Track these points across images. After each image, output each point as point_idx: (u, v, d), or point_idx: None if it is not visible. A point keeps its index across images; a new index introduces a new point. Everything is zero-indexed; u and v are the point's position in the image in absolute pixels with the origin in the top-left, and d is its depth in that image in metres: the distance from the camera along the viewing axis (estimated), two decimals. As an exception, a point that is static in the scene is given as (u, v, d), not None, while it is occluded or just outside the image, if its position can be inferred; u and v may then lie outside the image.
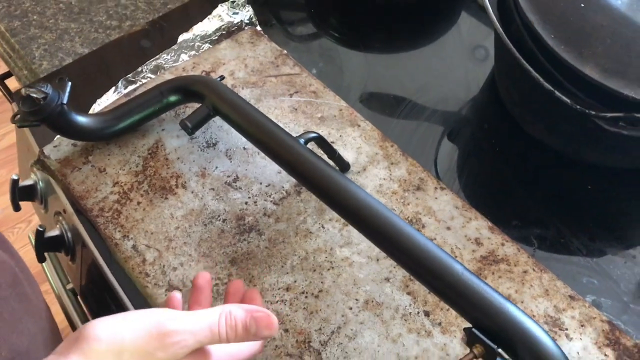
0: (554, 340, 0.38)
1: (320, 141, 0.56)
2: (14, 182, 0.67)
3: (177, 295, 0.44)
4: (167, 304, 0.44)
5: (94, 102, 0.68)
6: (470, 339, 0.37)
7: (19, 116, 0.58)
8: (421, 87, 0.72)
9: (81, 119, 0.60)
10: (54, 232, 0.65)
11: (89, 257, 0.61)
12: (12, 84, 0.92)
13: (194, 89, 0.60)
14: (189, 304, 0.46)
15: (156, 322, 0.36)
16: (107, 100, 0.68)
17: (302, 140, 0.54)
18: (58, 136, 0.64)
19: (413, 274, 0.44)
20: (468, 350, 0.38)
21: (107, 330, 0.35)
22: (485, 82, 0.73)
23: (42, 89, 0.55)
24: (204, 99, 0.60)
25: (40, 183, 0.68)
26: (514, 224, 0.59)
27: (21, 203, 0.70)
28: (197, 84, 0.61)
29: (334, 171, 0.50)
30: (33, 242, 0.66)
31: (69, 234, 0.64)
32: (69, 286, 0.76)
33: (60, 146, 0.63)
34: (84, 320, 0.74)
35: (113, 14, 0.80)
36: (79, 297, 0.76)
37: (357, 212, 0.47)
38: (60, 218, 0.65)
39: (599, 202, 0.61)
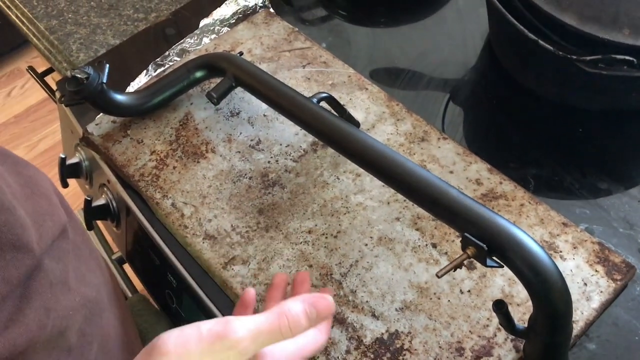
0: (538, 242, 0.44)
1: (331, 100, 0.63)
2: (62, 161, 0.75)
3: (251, 291, 0.51)
4: (242, 298, 0.51)
5: (128, 85, 0.76)
6: (464, 244, 0.43)
7: (65, 96, 0.66)
8: (423, 54, 0.78)
9: (119, 97, 0.67)
10: (101, 202, 0.72)
11: (133, 221, 0.69)
12: (51, 82, 1.00)
13: (217, 65, 0.68)
14: (266, 300, 0.53)
15: (219, 330, 0.37)
16: (140, 82, 0.76)
17: (314, 100, 0.61)
18: (99, 116, 0.72)
19: (416, 202, 0.50)
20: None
21: (175, 342, 0.37)
22: (482, 46, 0.79)
23: (85, 70, 0.63)
24: (226, 72, 0.67)
25: (85, 161, 0.76)
26: (511, 166, 0.65)
27: (69, 181, 0.78)
28: (219, 60, 0.68)
29: (344, 122, 0.57)
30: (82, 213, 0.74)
31: (114, 203, 0.72)
32: (115, 256, 0.84)
33: (101, 124, 0.71)
34: (132, 288, 0.81)
35: (139, 8, 0.88)
36: (124, 265, 0.84)
37: (367, 155, 0.53)
38: (105, 189, 0.73)
39: (589, 143, 0.67)
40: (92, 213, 0.73)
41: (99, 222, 0.87)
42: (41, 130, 2.01)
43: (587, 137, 0.67)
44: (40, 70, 1.00)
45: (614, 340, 0.54)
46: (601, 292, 0.55)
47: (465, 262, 0.43)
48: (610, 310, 0.55)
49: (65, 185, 0.78)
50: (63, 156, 0.76)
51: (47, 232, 0.46)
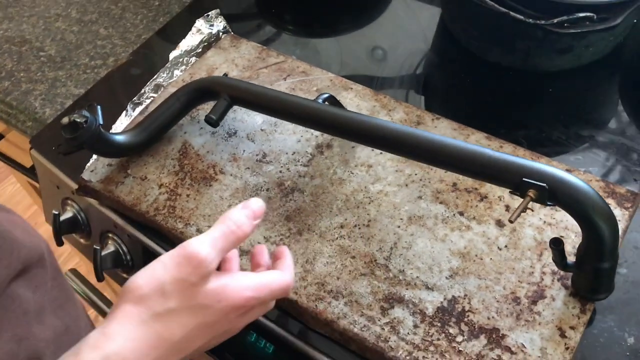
0: (579, 176, 0.49)
1: (333, 100, 0.66)
2: (56, 217, 0.72)
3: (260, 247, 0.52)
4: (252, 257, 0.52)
5: (110, 128, 0.75)
6: (522, 189, 0.47)
7: (61, 145, 0.64)
8: (390, 49, 0.83)
9: (115, 137, 0.66)
10: (109, 249, 0.70)
11: (149, 260, 0.67)
12: (3, 146, 0.96)
13: (209, 89, 0.68)
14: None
15: (179, 253, 0.43)
16: (122, 124, 0.75)
17: (320, 100, 0.63)
18: (91, 161, 0.70)
19: (461, 171, 0.53)
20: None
21: (144, 277, 0.43)
22: (436, 30, 0.85)
23: (83, 113, 0.62)
24: (219, 94, 0.68)
25: (81, 212, 0.73)
26: (502, 132, 0.70)
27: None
28: (210, 84, 0.69)
29: (359, 114, 0.59)
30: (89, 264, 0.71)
31: (124, 247, 0.70)
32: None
33: (96, 169, 0.70)
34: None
35: (94, 55, 0.87)
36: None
37: (403, 140, 0.55)
38: (111, 235, 0.71)
39: (561, 99, 0.74)
40: (104, 262, 0.70)
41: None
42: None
43: (559, 95, 0.74)
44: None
45: (639, 261, 0.60)
46: (619, 220, 0.60)
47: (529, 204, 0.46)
48: (628, 236, 0.61)
49: (60, 243, 0.75)
50: (56, 212, 0.73)
51: (14, 259, 0.45)
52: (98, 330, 0.42)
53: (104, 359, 0.40)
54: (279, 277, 0.48)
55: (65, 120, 0.62)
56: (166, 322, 0.42)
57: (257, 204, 0.48)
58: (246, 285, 0.45)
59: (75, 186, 0.71)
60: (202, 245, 0.43)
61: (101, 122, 0.63)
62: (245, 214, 0.47)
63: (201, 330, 0.44)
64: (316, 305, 0.57)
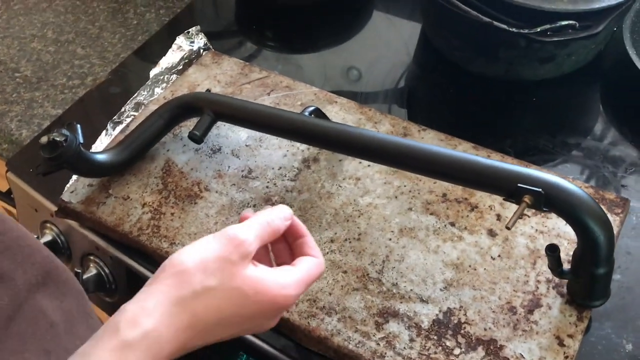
0: (571, 182, 0.48)
1: (319, 113, 0.65)
2: (35, 241, 0.70)
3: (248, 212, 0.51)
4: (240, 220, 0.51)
5: (89, 148, 0.73)
6: (517, 195, 0.46)
7: (40, 165, 0.62)
8: (372, 63, 0.83)
9: (96, 156, 0.65)
10: (91, 273, 0.68)
11: (136, 283, 0.65)
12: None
13: (192, 105, 0.67)
14: None
15: (221, 234, 0.44)
16: (102, 143, 0.73)
17: (306, 113, 0.62)
18: (71, 182, 0.68)
19: (454, 181, 0.53)
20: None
21: (188, 253, 0.43)
22: (417, 43, 0.85)
23: (62, 132, 0.60)
24: (202, 110, 0.66)
25: (61, 236, 0.71)
26: (489, 142, 0.70)
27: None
28: (193, 100, 0.67)
29: (347, 125, 0.58)
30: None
31: (107, 269, 0.68)
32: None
33: (76, 190, 0.67)
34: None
35: (72, 75, 0.85)
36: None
37: (392, 151, 0.55)
38: (92, 257, 0.68)
39: (546, 107, 0.74)
40: (85, 287, 0.68)
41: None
42: None
43: (543, 104, 0.75)
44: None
45: (632, 266, 0.60)
46: (611, 226, 0.60)
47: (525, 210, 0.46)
48: (620, 242, 0.61)
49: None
50: (35, 236, 0.70)
51: (35, 265, 0.44)
52: (135, 304, 0.41)
53: (144, 337, 0.39)
54: (314, 266, 0.48)
55: (44, 139, 0.60)
56: (204, 302, 0.42)
57: (285, 208, 0.49)
58: (284, 282, 0.45)
59: (54, 208, 0.68)
60: (242, 229, 0.45)
61: (81, 140, 0.62)
62: (275, 213, 0.48)
63: (234, 320, 0.43)
64: (309, 323, 0.56)
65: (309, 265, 0.47)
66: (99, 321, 0.52)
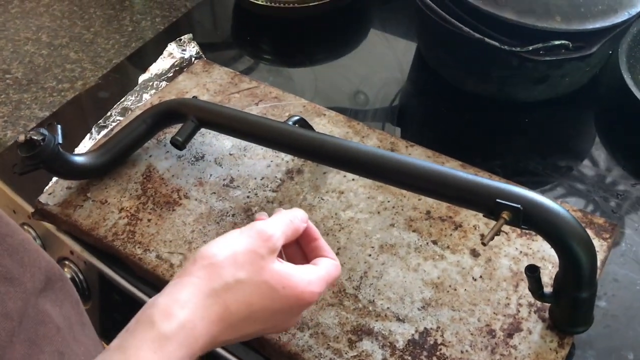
0: (555, 201, 0.46)
1: (303, 122, 0.64)
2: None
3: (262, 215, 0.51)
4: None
5: (72, 151, 0.72)
6: (496, 210, 0.44)
7: (17, 164, 0.61)
8: (364, 79, 0.82)
9: (76, 158, 0.63)
10: (64, 277, 0.66)
11: (110, 289, 0.63)
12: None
13: (176, 110, 0.66)
14: None
15: (249, 228, 0.45)
16: (85, 146, 0.72)
17: (290, 123, 0.61)
18: (50, 184, 0.67)
19: (434, 195, 0.51)
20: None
21: (218, 246, 0.43)
22: (412, 62, 0.84)
23: (40, 131, 0.59)
24: (186, 116, 0.65)
25: (37, 238, 0.70)
26: (477, 161, 0.68)
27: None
28: (177, 105, 0.66)
29: (331, 136, 0.57)
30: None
31: (81, 275, 0.66)
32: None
33: (54, 192, 0.66)
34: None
35: (62, 79, 0.85)
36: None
37: (368, 161, 0.53)
38: (67, 262, 0.67)
39: (537, 128, 0.73)
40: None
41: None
42: None
43: (535, 124, 0.73)
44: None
45: (619, 294, 0.57)
46: (598, 251, 0.58)
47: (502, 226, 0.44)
48: (607, 268, 0.59)
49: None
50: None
51: (39, 270, 0.43)
52: (167, 296, 0.41)
53: (180, 328, 0.39)
54: (333, 267, 0.48)
55: (21, 137, 0.58)
56: (235, 294, 0.42)
57: (301, 210, 0.50)
58: (310, 279, 0.45)
59: (32, 210, 0.67)
60: (268, 224, 0.46)
61: (60, 141, 0.60)
62: (295, 214, 0.49)
63: (261, 315, 0.44)
64: (279, 337, 0.54)
65: (329, 265, 0.48)
66: (94, 330, 0.51)
